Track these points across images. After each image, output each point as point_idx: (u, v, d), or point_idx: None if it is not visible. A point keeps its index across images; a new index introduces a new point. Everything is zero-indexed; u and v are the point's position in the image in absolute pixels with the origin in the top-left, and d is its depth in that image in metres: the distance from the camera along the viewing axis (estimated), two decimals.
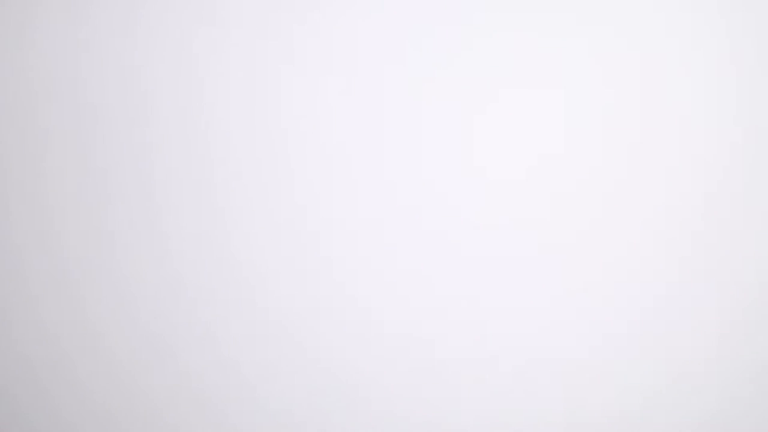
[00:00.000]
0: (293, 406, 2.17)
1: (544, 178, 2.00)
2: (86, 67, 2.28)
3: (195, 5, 2.21)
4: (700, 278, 1.93)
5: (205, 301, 2.23)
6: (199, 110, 2.21)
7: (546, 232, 2.01)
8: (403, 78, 2.08)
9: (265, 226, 2.18)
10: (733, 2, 1.90)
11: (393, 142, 2.09)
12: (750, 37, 1.89)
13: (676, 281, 1.94)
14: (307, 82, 2.14)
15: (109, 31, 2.27)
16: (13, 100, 2.35)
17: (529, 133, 2.01)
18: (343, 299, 2.14)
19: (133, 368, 2.28)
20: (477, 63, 2.03)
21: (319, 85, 2.13)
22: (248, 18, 2.17)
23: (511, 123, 2.02)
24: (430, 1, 2.06)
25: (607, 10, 1.96)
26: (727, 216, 1.92)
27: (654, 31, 1.94)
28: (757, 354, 1.90)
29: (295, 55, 2.15)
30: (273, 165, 2.17)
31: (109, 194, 2.27)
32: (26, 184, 2.35)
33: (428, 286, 2.08)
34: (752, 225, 1.90)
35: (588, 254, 1.99)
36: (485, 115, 2.03)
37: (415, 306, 2.09)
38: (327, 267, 2.15)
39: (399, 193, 2.09)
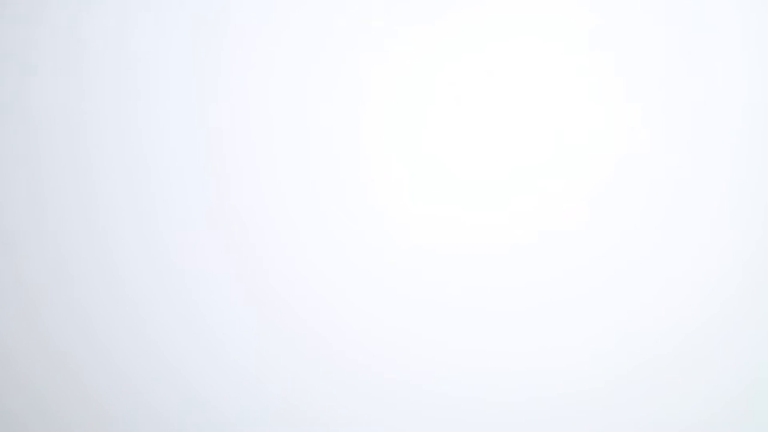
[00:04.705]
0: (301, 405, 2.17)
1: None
2: (83, 65, 2.28)
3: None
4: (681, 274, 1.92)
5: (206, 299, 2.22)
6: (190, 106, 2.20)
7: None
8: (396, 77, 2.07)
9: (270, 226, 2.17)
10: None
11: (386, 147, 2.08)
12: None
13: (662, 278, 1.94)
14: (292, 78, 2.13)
15: (105, 28, 2.26)
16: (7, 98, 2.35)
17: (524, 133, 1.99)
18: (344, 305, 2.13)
19: (133, 368, 2.28)
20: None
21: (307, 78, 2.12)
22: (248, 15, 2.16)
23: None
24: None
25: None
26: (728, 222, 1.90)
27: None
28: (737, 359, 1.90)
29: (291, 52, 2.13)
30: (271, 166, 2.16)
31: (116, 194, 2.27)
32: (23, 181, 2.34)
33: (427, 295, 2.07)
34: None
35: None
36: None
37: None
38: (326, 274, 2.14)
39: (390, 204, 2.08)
